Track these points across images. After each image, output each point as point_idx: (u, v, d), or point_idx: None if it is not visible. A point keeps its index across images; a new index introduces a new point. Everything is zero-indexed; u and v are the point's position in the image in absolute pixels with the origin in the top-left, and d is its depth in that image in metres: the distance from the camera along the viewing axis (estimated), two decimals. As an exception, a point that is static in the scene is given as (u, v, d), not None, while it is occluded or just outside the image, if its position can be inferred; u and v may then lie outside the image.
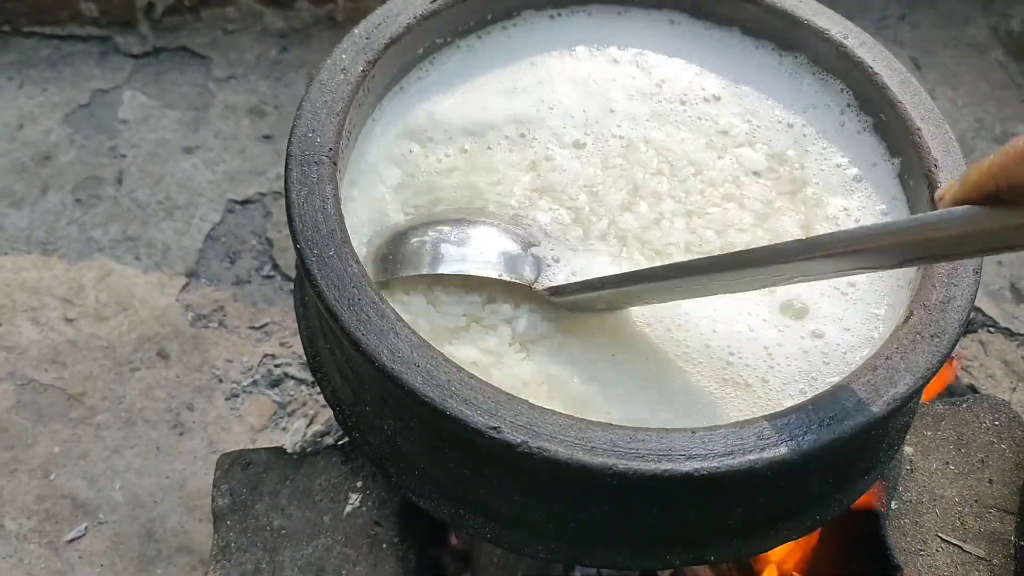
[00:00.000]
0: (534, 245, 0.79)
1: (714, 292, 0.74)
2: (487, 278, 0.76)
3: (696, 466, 0.62)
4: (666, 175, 0.86)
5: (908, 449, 0.90)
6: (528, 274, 0.77)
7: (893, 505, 0.87)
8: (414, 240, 0.78)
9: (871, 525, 0.87)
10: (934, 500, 0.87)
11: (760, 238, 0.82)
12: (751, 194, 0.86)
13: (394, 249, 0.78)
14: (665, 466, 0.62)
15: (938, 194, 0.60)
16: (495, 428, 0.63)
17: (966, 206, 0.53)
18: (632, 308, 0.77)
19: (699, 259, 0.69)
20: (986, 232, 0.53)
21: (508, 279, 0.76)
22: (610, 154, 0.88)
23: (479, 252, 0.77)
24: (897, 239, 0.57)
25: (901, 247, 0.57)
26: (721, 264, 0.66)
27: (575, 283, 0.76)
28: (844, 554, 0.93)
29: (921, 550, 0.84)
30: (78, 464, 1.32)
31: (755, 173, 0.88)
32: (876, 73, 0.88)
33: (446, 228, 0.79)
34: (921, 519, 0.86)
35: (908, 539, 0.85)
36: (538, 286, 0.76)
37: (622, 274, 0.74)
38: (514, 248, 0.78)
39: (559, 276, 0.77)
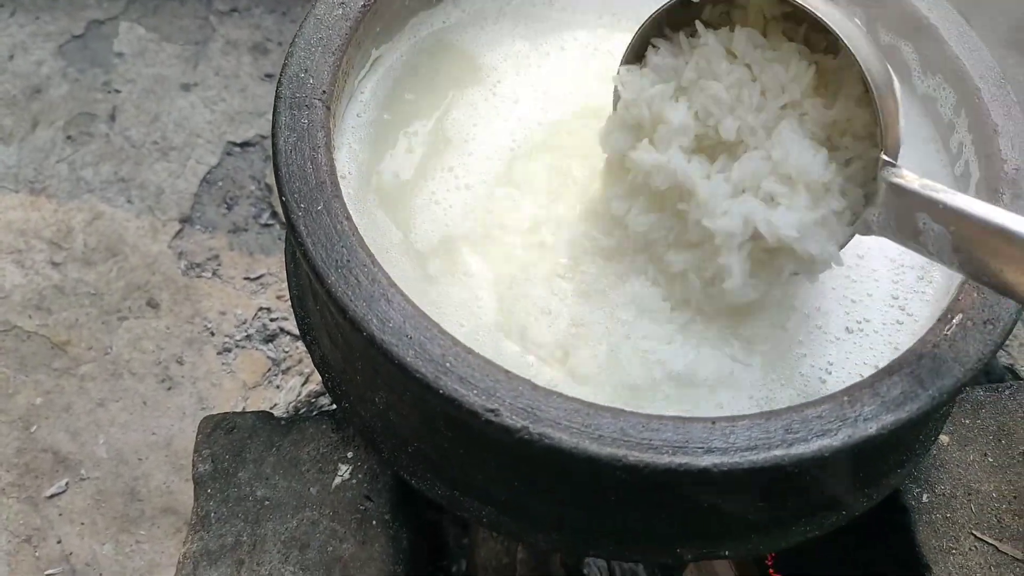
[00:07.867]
0: None
1: None
2: None
3: (715, 461, 0.58)
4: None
5: (943, 438, 0.84)
6: None
7: (924, 498, 0.81)
8: None
9: (899, 519, 0.81)
10: (969, 495, 0.81)
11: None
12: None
13: None
14: (680, 460, 0.58)
15: None
16: (493, 411, 0.58)
17: None
18: None
19: None
20: None
21: None
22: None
23: None
24: None
25: None
26: None
27: None
28: (867, 549, 0.87)
29: (953, 548, 0.79)
30: (61, 417, 1.27)
31: None
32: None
33: None
34: (954, 515, 0.80)
35: (939, 536, 0.79)
36: None
37: None
38: None
39: None
